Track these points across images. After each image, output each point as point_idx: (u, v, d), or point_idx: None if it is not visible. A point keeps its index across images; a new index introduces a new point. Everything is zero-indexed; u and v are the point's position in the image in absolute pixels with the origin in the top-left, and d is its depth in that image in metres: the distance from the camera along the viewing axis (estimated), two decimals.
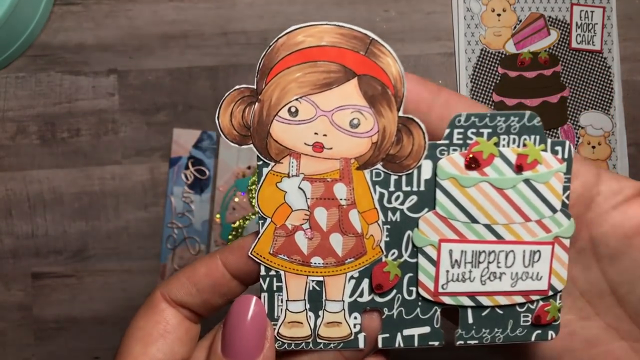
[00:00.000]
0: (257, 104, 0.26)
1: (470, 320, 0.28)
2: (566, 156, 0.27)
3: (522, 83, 0.60)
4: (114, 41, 0.54)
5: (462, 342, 0.28)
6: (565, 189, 0.27)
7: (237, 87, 0.26)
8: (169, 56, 0.54)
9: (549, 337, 0.28)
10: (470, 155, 0.26)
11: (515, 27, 0.60)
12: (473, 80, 0.59)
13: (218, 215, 0.55)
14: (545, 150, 0.27)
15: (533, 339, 0.28)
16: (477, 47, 0.59)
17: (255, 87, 0.26)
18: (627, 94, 0.59)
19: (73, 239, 0.55)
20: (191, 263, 0.28)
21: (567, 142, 0.27)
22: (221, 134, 0.26)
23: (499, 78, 0.59)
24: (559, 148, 0.27)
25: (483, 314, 0.28)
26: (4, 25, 0.47)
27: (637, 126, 0.59)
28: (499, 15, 0.59)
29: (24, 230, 0.55)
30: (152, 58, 0.54)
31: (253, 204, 0.55)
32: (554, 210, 0.27)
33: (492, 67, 0.59)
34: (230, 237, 0.55)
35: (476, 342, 0.28)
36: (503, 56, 0.59)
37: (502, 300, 0.28)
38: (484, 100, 0.59)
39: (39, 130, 0.54)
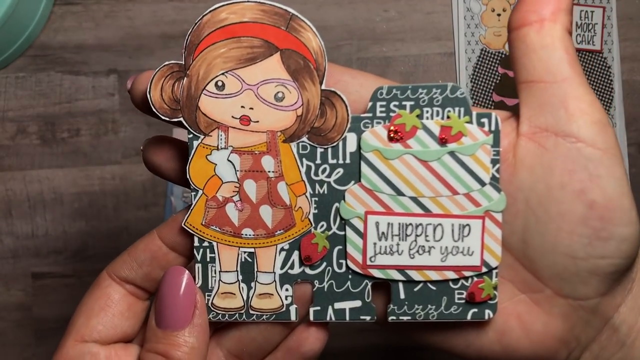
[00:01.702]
0: (185, 78, 0.27)
1: (402, 296, 0.28)
2: (493, 128, 0.27)
3: None
4: (114, 41, 0.56)
5: (394, 317, 0.28)
6: (494, 161, 0.27)
7: (166, 62, 0.27)
8: (168, 56, 0.56)
9: (486, 317, 0.28)
10: (392, 128, 0.26)
11: None
12: (473, 80, 0.59)
13: None
14: (470, 122, 0.27)
15: (469, 317, 0.28)
16: (477, 47, 0.59)
17: (183, 62, 0.27)
18: (627, 94, 0.58)
19: (73, 239, 0.56)
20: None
21: (494, 114, 0.27)
22: (153, 108, 0.27)
23: (499, 78, 0.59)
24: (485, 120, 0.27)
25: (415, 289, 0.28)
26: (4, 25, 0.49)
27: (637, 126, 0.58)
28: (499, 15, 0.59)
29: (24, 230, 0.56)
30: (152, 58, 0.56)
31: None
32: (482, 183, 0.27)
33: (492, 67, 0.59)
34: None
35: (409, 318, 0.28)
36: (503, 56, 0.59)
37: (433, 275, 0.28)
38: (484, 100, 0.59)
39: (39, 130, 0.56)
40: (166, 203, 0.56)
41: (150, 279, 0.29)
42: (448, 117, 0.27)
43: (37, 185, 0.56)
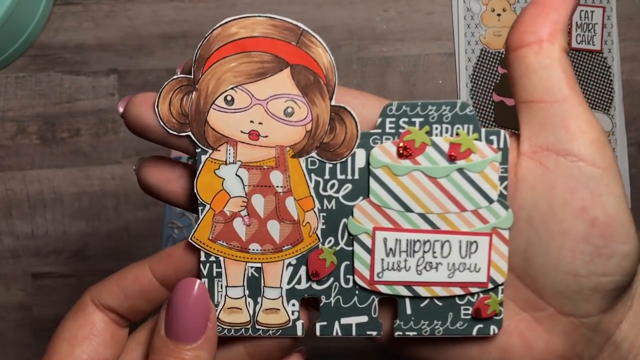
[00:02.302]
0: (194, 93, 0.26)
1: (409, 311, 0.28)
2: (501, 146, 0.27)
3: None
4: (114, 41, 0.55)
5: (400, 333, 0.28)
6: (502, 179, 0.27)
7: (175, 76, 0.27)
8: (169, 56, 0.56)
9: (491, 332, 0.28)
10: (401, 144, 0.26)
11: None
12: (473, 80, 0.59)
13: None
14: (479, 139, 0.27)
15: (474, 333, 0.28)
16: (477, 47, 0.59)
17: (192, 76, 0.26)
18: (627, 94, 0.58)
19: (73, 239, 0.56)
20: (122, 269, 0.29)
21: (502, 132, 0.27)
22: (160, 122, 0.27)
23: (499, 78, 0.59)
24: (493, 137, 0.27)
25: (422, 305, 0.28)
26: (4, 25, 0.49)
27: (637, 126, 0.58)
28: (499, 15, 0.59)
29: (24, 230, 0.56)
30: (152, 58, 0.56)
31: None
32: (490, 200, 0.27)
33: (492, 67, 0.59)
34: None
35: (415, 333, 0.28)
36: (503, 56, 0.59)
37: (440, 292, 0.28)
38: (484, 100, 0.59)
39: (39, 130, 0.55)
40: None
41: (134, 311, 0.29)
42: (457, 134, 0.27)
43: (37, 185, 0.55)
